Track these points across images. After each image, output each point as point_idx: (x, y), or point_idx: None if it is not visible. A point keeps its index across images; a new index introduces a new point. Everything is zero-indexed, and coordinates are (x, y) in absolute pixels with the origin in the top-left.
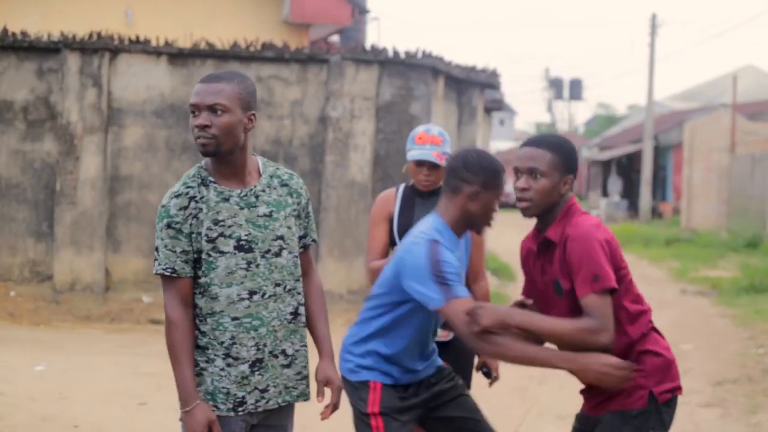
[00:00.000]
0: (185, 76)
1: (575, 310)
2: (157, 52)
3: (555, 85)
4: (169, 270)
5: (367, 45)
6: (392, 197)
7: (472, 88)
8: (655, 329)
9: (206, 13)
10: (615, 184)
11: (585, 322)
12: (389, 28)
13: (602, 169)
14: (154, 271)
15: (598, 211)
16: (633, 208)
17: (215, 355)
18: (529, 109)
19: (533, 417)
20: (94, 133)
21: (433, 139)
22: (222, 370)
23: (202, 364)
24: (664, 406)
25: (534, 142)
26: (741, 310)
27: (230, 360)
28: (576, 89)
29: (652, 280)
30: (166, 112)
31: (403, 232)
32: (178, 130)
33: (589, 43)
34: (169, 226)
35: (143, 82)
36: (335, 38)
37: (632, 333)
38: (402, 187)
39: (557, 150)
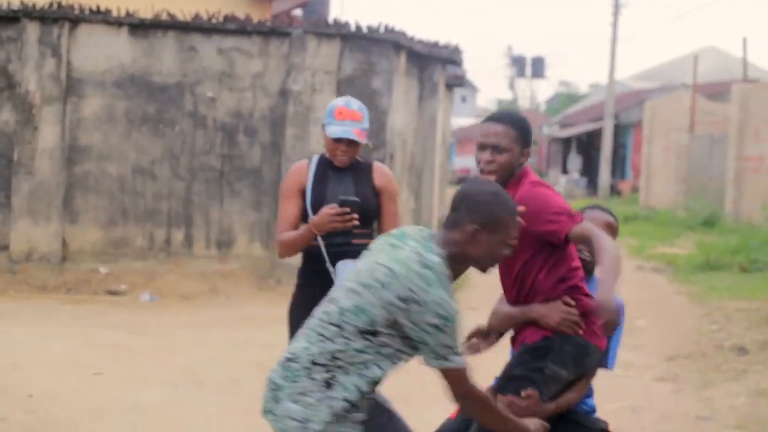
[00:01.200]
0: (146, 48)
1: (521, 268)
2: (118, 23)
3: (517, 62)
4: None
5: (330, 19)
6: (305, 169)
7: (434, 64)
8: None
9: None
10: (575, 161)
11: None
12: (353, 1)
13: (562, 146)
14: (460, 367)
15: (558, 187)
16: (592, 185)
17: None
18: (491, 86)
19: None
20: (52, 103)
21: (353, 114)
22: None
23: None
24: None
25: (496, 118)
26: (696, 287)
27: None
28: (538, 67)
29: None
30: (126, 83)
31: (316, 206)
32: (138, 101)
33: (552, 21)
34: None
35: (103, 53)
36: (298, 12)
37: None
38: (315, 158)
39: (517, 126)
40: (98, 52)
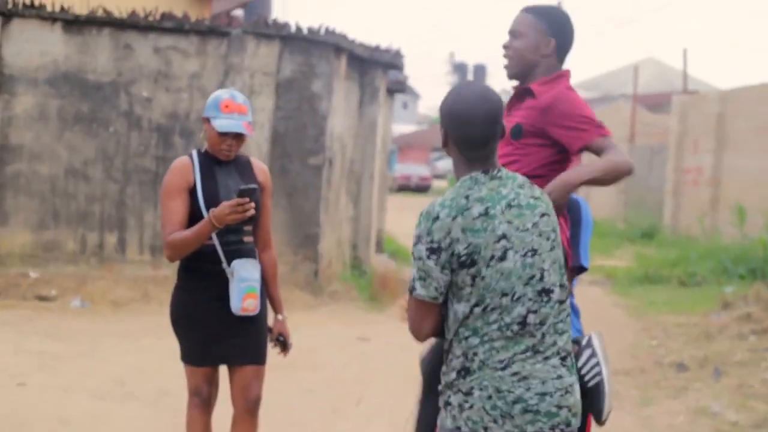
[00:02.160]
0: (80, 45)
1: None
2: (52, 18)
3: (459, 69)
4: None
5: (271, 20)
6: (189, 166)
7: (375, 68)
8: None
9: None
10: None
11: (616, 153)
12: (294, 3)
13: None
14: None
15: None
16: None
17: None
18: (433, 93)
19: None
20: None
21: (240, 107)
22: None
23: None
24: None
25: (525, 8)
26: (634, 300)
27: None
28: (480, 74)
29: None
30: (60, 80)
31: (209, 203)
32: (71, 100)
33: (495, 29)
34: None
35: (36, 49)
36: (239, 13)
37: None
38: (195, 153)
39: (541, 15)
40: (31, 48)
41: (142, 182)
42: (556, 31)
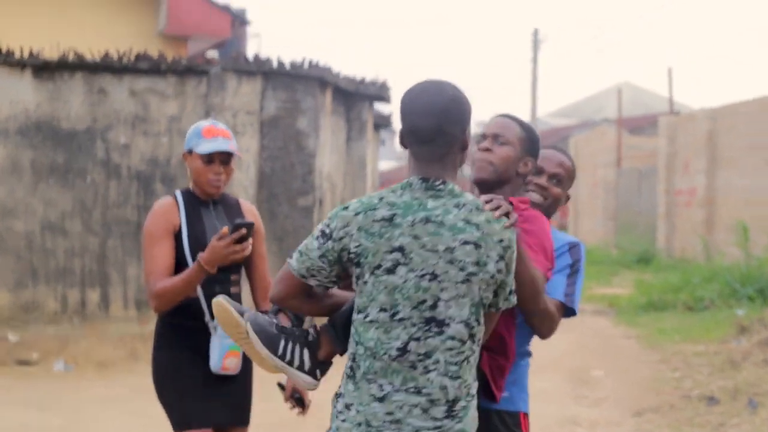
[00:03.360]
0: (52, 91)
1: None
2: (21, 64)
3: None
4: None
5: (250, 56)
6: (173, 207)
7: (362, 102)
8: None
9: (76, 26)
10: None
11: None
12: (271, 45)
13: None
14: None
15: None
16: None
17: None
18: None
19: None
20: None
21: (223, 132)
22: None
23: None
24: None
25: (506, 115)
26: (643, 330)
27: None
28: None
29: None
30: (32, 130)
31: (195, 248)
32: (44, 150)
33: (471, 60)
34: None
35: (5, 98)
36: (214, 54)
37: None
38: (179, 194)
39: (524, 128)
40: (0, 97)
41: (124, 234)
42: (534, 149)
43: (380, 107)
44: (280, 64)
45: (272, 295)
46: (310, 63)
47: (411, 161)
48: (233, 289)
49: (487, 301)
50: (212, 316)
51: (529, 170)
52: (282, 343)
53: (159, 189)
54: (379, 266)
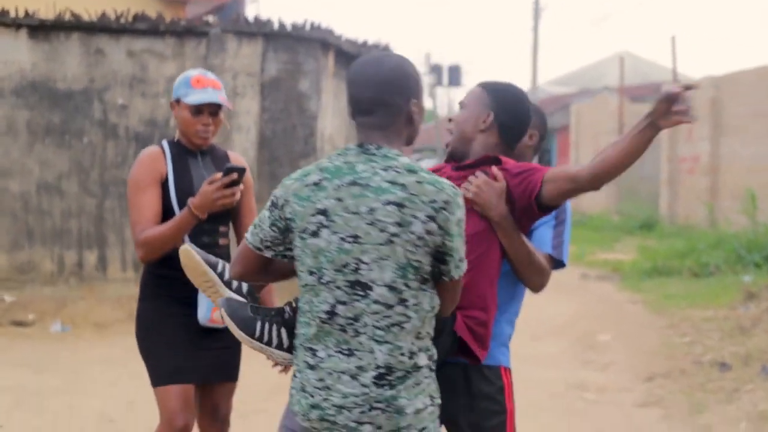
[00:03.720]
0: (48, 52)
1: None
2: (15, 24)
3: (435, 71)
4: None
5: (252, 17)
6: (160, 156)
7: None
8: None
9: None
10: None
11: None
12: (269, 11)
13: None
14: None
15: None
16: None
17: None
18: None
19: None
20: None
21: (213, 83)
22: None
23: None
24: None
25: (480, 83)
26: (649, 295)
27: None
28: (455, 75)
29: None
30: (27, 90)
31: (183, 197)
32: (40, 110)
33: (470, 28)
34: None
35: (1, 58)
36: (213, 19)
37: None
38: (167, 144)
39: (489, 90)
40: None
41: (121, 195)
42: (500, 106)
43: None
44: (281, 25)
45: (233, 273)
46: (312, 25)
47: (357, 132)
48: (222, 241)
49: (420, 264)
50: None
51: (489, 124)
52: (258, 324)
53: None
54: (305, 229)
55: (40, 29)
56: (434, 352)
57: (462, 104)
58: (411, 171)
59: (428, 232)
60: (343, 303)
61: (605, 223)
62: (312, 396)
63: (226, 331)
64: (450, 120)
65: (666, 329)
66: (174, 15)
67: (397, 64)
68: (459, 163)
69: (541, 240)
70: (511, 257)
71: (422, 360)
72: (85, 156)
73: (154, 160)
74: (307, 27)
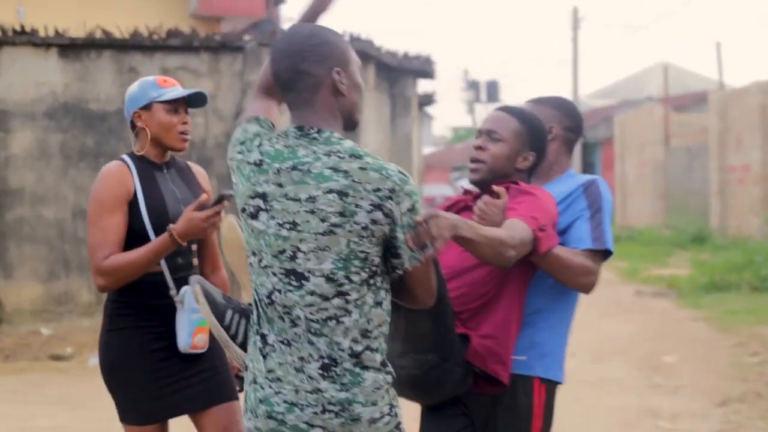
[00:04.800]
0: (79, 71)
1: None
2: (46, 44)
3: (473, 87)
4: None
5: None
6: (127, 172)
7: (405, 77)
8: None
9: (105, 7)
10: None
11: (505, 233)
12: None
13: None
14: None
15: None
16: None
17: None
18: (444, 112)
19: None
20: None
21: (178, 83)
22: None
23: None
24: None
25: (504, 108)
26: (710, 311)
27: None
28: (493, 91)
29: (601, 282)
30: (59, 112)
31: (155, 217)
32: (74, 133)
33: (508, 43)
34: None
35: (31, 79)
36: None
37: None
38: (129, 158)
39: (524, 121)
40: (25, 78)
41: None
42: (537, 145)
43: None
44: None
45: None
46: (351, 36)
47: (289, 113)
48: (195, 261)
49: (367, 255)
50: (177, 291)
51: (530, 164)
52: (229, 313)
53: None
54: (244, 209)
55: (70, 48)
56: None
57: (493, 134)
58: (355, 156)
59: (374, 222)
60: (279, 291)
61: (655, 238)
62: (262, 388)
63: (212, 353)
64: (480, 147)
65: (734, 348)
66: (208, 31)
67: (313, 32)
68: (482, 192)
69: (579, 236)
70: (543, 268)
71: (371, 360)
72: None
73: (121, 178)
74: (346, 38)
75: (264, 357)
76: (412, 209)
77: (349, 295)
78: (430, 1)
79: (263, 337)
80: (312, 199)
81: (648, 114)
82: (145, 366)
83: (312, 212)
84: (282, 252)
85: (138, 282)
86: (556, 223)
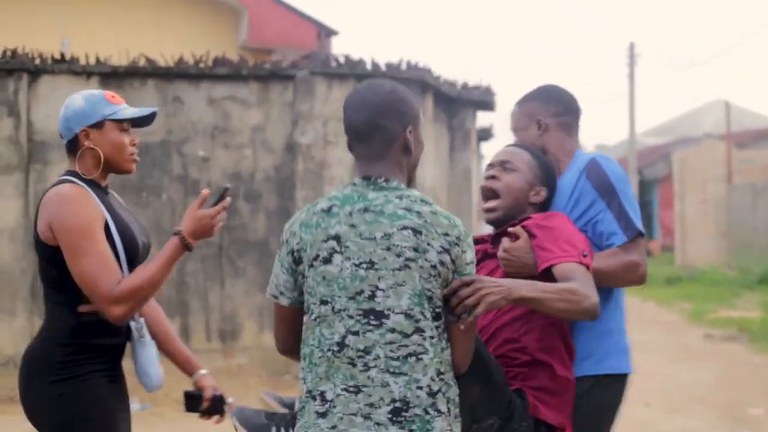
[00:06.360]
0: None
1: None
2: (86, 72)
3: None
4: None
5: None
6: (90, 195)
7: (465, 109)
8: None
9: (152, 39)
10: None
11: (574, 284)
12: (359, 50)
13: None
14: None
15: None
16: None
17: None
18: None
19: None
20: (11, 172)
21: (122, 99)
22: None
23: None
24: None
25: (514, 144)
26: None
27: None
28: None
29: (666, 324)
30: None
31: (127, 242)
32: None
33: (564, 78)
34: None
35: None
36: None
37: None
38: (78, 180)
39: (536, 156)
40: None
41: (205, 257)
42: (548, 180)
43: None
44: (375, 65)
45: (280, 341)
46: (408, 64)
47: (356, 165)
48: None
49: (433, 295)
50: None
51: (542, 199)
52: (273, 430)
53: (243, 207)
54: (316, 257)
55: (112, 77)
56: (457, 403)
57: (507, 164)
58: (425, 202)
59: (441, 263)
60: (355, 333)
61: (719, 278)
62: None
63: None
64: (494, 176)
65: None
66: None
67: (393, 89)
68: (498, 231)
69: (610, 230)
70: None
71: (443, 405)
72: (164, 214)
73: (91, 201)
74: (403, 66)
75: (324, 416)
76: (472, 263)
77: (425, 332)
78: (479, 34)
79: (322, 395)
80: (387, 236)
81: (709, 150)
82: (111, 417)
83: (388, 249)
84: (360, 293)
85: (91, 320)
86: (582, 235)
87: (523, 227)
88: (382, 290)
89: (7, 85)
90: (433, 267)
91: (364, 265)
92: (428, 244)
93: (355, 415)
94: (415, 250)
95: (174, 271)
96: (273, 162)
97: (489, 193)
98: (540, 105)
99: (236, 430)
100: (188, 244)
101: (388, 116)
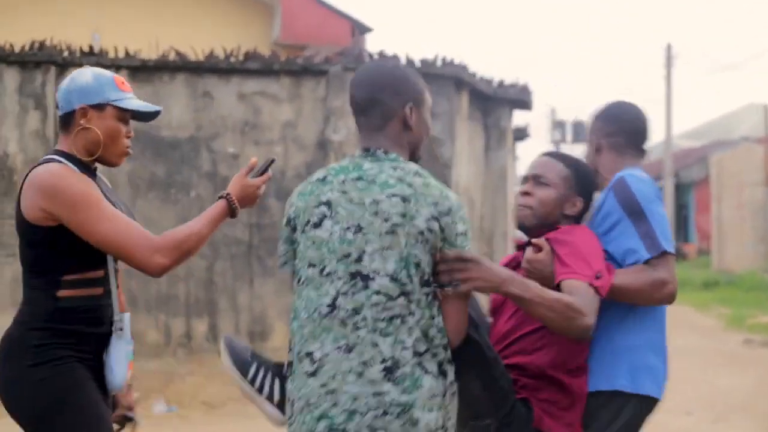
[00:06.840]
0: (151, 95)
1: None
2: (115, 66)
3: (558, 127)
4: None
5: (375, 53)
6: (80, 173)
7: (501, 107)
8: None
9: (183, 34)
10: None
11: (573, 299)
12: (393, 47)
13: None
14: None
15: None
16: None
17: None
18: (532, 151)
19: None
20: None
21: (130, 89)
22: None
23: None
24: None
25: (550, 153)
26: None
27: None
28: (579, 132)
29: (704, 329)
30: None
31: None
32: (143, 161)
33: (592, 86)
34: None
35: None
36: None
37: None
38: (67, 161)
39: (571, 166)
40: None
41: (234, 255)
42: (584, 190)
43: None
44: (409, 61)
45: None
46: (444, 60)
47: (358, 136)
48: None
49: (419, 261)
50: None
51: (578, 210)
52: (253, 368)
53: (273, 205)
54: (308, 222)
55: (141, 70)
56: (452, 367)
57: (540, 179)
58: (419, 175)
59: (430, 230)
60: (344, 294)
61: (758, 283)
62: (318, 406)
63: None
64: (527, 193)
65: None
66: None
67: (395, 68)
68: (530, 239)
69: (632, 248)
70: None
71: (431, 365)
72: (192, 212)
73: (86, 178)
74: (438, 62)
75: (314, 375)
76: (464, 234)
77: (411, 294)
78: (516, 32)
79: (309, 355)
80: (376, 202)
81: (746, 154)
82: (94, 400)
83: (375, 213)
84: (347, 255)
85: (74, 306)
86: (602, 253)
87: (547, 239)
88: (369, 253)
89: (35, 77)
90: (420, 233)
91: (352, 229)
92: (416, 211)
93: (348, 372)
94: (403, 216)
95: (202, 270)
96: (304, 159)
97: (522, 210)
98: (599, 124)
99: (220, 355)
100: (235, 208)
101: (387, 92)
